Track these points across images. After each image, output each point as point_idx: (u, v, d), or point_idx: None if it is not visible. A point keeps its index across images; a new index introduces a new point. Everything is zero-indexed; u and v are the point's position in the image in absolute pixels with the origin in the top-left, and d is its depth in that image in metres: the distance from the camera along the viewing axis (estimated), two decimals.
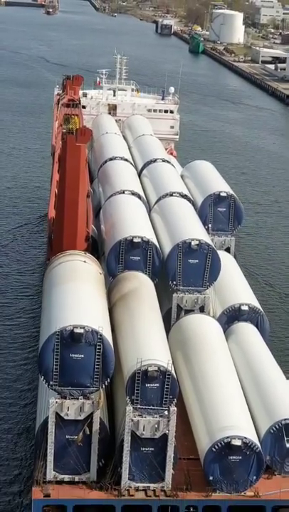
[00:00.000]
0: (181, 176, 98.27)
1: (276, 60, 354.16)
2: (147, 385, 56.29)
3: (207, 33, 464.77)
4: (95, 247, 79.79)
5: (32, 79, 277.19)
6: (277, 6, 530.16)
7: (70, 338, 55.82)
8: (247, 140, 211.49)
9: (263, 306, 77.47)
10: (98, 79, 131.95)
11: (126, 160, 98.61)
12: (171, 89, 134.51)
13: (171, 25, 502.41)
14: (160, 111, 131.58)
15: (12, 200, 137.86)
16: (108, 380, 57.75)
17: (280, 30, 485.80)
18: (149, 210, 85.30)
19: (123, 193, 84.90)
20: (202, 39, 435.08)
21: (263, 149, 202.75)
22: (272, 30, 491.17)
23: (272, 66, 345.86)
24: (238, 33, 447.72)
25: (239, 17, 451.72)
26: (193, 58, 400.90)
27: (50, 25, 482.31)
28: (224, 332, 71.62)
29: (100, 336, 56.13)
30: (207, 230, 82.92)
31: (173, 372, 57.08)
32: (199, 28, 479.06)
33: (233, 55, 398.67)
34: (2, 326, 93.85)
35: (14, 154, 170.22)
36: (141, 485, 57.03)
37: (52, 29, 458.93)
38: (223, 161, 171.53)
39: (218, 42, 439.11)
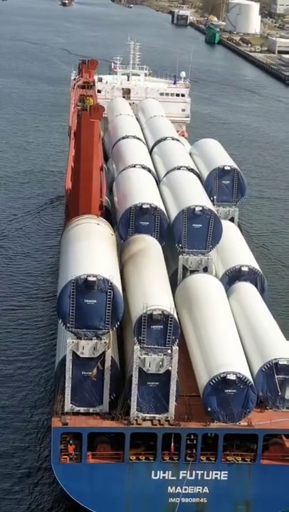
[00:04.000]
0: (190, 154, 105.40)
1: None
2: (152, 327, 63.72)
3: (223, 23, 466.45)
4: (108, 218, 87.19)
5: (50, 72, 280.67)
6: None
7: (84, 286, 63.37)
8: (261, 130, 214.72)
9: (263, 269, 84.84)
10: (113, 64, 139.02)
11: (138, 138, 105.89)
12: (183, 74, 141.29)
13: (187, 16, 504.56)
14: (172, 94, 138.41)
15: (33, 187, 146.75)
16: (118, 323, 65.45)
17: None
18: (158, 182, 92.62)
19: (134, 167, 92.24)
20: (218, 29, 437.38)
21: (277, 139, 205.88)
22: None
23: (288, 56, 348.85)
24: (255, 23, 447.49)
25: (255, 7, 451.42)
26: (209, 49, 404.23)
27: (67, 17, 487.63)
28: (226, 291, 78.86)
29: (111, 283, 63.67)
30: (212, 201, 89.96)
31: (175, 315, 64.55)
32: (215, 19, 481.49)
33: (249, 45, 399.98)
34: (26, 279, 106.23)
35: (31, 149, 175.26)
36: (147, 415, 64.58)
37: (69, 20, 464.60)
38: (237, 148, 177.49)
39: (235, 32, 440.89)
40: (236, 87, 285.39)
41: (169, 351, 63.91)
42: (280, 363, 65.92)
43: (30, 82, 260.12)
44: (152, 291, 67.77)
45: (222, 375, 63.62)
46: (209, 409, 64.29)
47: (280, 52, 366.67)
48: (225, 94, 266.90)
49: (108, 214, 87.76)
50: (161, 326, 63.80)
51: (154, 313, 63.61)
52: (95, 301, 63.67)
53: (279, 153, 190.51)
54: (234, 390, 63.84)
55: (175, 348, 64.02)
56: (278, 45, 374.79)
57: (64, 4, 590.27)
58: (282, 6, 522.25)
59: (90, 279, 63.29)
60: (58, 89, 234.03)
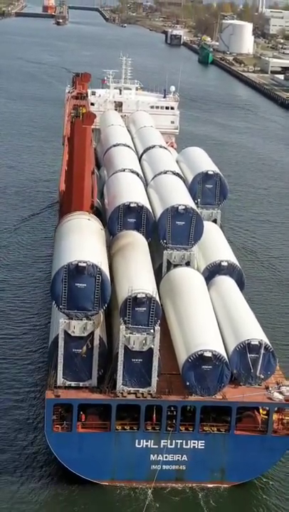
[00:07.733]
0: (177, 161, 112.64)
1: (285, 70, 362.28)
2: (137, 308, 70.67)
3: (216, 43, 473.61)
4: (99, 218, 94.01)
5: (45, 92, 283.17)
6: (286, 16, 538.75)
7: (75, 271, 70.32)
8: (256, 150, 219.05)
9: (242, 265, 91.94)
10: (105, 78, 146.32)
11: (128, 146, 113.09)
12: (172, 88, 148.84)
13: (181, 36, 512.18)
14: (162, 107, 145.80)
15: (27, 203, 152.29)
16: (106, 305, 72.30)
17: None
18: (146, 185, 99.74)
19: (124, 171, 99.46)
20: (211, 49, 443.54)
21: (268, 157, 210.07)
22: (282, 41, 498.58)
23: (281, 76, 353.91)
24: (248, 44, 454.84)
25: (248, 27, 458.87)
26: (202, 69, 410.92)
27: (61, 36, 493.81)
28: (206, 284, 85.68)
29: (99, 269, 70.63)
30: (196, 203, 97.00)
31: (157, 298, 71.46)
32: (209, 39, 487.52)
33: (242, 65, 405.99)
34: (24, 268, 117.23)
35: (24, 168, 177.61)
36: (132, 389, 71.40)
37: (63, 40, 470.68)
38: (230, 167, 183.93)
39: (228, 52, 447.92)
40: (230, 107, 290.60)
41: (152, 331, 70.79)
42: (252, 343, 72.88)
43: (24, 102, 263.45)
44: (138, 278, 74.71)
45: (199, 353, 70.47)
46: (188, 383, 71.02)
47: (272, 72, 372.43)
48: (218, 114, 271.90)
49: (99, 215, 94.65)
50: (145, 308, 70.70)
51: (139, 295, 70.47)
52: (85, 284, 70.57)
53: (270, 169, 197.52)
54: (210, 366, 70.64)
55: (157, 327, 70.92)
56: (271, 66, 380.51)
57: (58, 23, 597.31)
58: (275, 27, 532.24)
59: (81, 264, 70.21)
60: (51, 109, 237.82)
